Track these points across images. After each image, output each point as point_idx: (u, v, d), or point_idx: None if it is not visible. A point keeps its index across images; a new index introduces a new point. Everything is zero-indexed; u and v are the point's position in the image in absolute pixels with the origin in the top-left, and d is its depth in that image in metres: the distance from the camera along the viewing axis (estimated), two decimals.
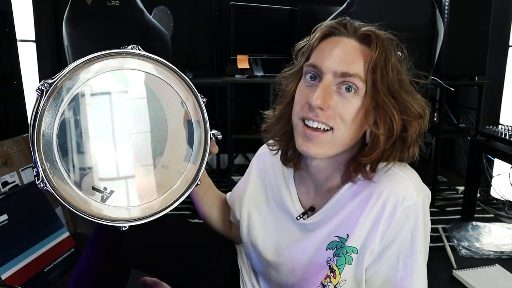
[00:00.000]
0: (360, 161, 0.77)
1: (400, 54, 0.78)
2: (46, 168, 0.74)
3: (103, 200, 0.79)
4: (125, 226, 0.79)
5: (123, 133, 0.81)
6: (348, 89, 0.74)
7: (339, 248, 0.81)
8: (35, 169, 0.73)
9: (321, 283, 0.82)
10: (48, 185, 0.74)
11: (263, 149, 1.02)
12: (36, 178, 0.73)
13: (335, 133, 0.75)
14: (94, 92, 0.79)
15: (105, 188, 0.79)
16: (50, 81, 0.73)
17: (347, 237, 0.80)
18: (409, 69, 0.79)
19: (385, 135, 0.75)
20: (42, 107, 0.73)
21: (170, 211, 0.84)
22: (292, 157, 0.88)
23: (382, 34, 0.76)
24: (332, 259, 0.81)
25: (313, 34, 0.81)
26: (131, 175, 0.82)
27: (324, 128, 0.75)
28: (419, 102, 0.77)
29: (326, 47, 0.76)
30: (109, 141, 0.80)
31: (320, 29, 0.80)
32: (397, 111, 0.74)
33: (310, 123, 0.75)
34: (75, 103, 0.77)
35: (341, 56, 0.74)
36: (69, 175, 0.76)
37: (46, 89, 0.73)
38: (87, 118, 0.78)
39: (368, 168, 0.78)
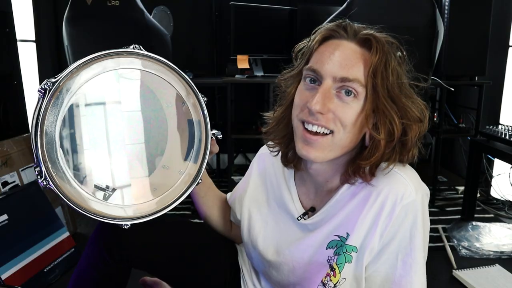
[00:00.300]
0: (360, 164, 0.77)
1: (400, 57, 0.78)
2: (49, 166, 0.74)
3: (106, 198, 0.79)
4: (127, 224, 0.79)
5: (118, 144, 0.81)
6: (348, 93, 0.74)
7: (339, 247, 0.81)
8: (37, 169, 0.73)
9: (322, 281, 0.82)
10: (51, 182, 0.74)
11: (264, 149, 1.02)
12: (38, 176, 0.73)
13: (335, 136, 0.75)
14: (90, 102, 0.79)
15: (107, 187, 0.79)
16: (53, 80, 0.74)
17: (347, 236, 0.80)
18: (409, 71, 0.79)
19: (385, 140, 0.75)
20: (45, 106, 0.73)
21: (170, 211, 0.84)
22: (293, 159, 0.89)
23: (382, 38, 0.76)
24: (332, 258, 0.81)
25: (313, 36, 0.80)
26: (128, 184, 0.82)
27: (324, 132, 0.75)
28: (419, 105, 0.77)
29: (326, 51, 0.76)
30: (104, 152, 0.80)
31: (320, 32, 0.79)
32: (397, 115, 0.74)
33: (309, 127, 0.76)
34: (75, 104, 0.77)
35: (340, 60, 0.74)
36: (70, 174, 0.76)
37: (49, 87, 0.73)
38: (82, 130, 0.78)
39: (367, 171, 0.78)
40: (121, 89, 0.81)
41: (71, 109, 0.76)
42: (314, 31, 0.81)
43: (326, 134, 0.75)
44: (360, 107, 0.74)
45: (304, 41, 0.84)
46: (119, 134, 0.81)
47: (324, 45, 0.78)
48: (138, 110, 0.82)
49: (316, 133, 0.75)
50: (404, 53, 0.79)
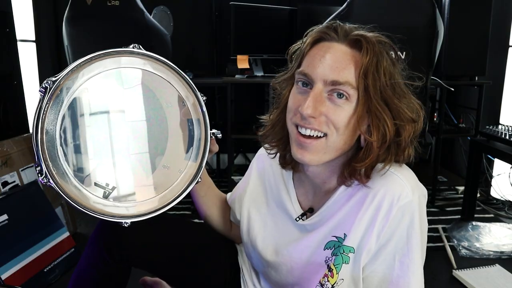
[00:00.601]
0: (355, 167, 0.77)
1: (394, 56, 0.77)
2: (49, 165, 0.74)
3: (105, 196, 0.79)
4: (127, 222, 0.79)
5: (122, 154, 0.81)
6: (340, 95, 0.74)
7: (336, 247, 0.81)
8: (38, 168, 0.74)
9: (319, 282, 0.82)
10: (51, 180, 0.74)
11: (263, 150, 1.02)
12: (39, 175, 0.74)
13: (329, 139, 0.75)
14: (95, 111, 0.79)
15: (107, 184, 0.80)
16: (54, 79, 0.74)
17: (344, 237, 0.80)
18: (403, 69, 0.78)
19: (378, 141, 0.75)
20: (46, 105, 0.74)
21: (170, 210, 0.84)
22: (290, 160, 0.89)
23: (373, 38, 0.75)
24: (330, 259, 0.81)
25: (305, 38, 0.80)
26: (132, 192, 0.83)
27: (317, 135, 0.75)
28: (413, 105, 0.77)
29: (317, 54, 0.76)
30: (108, 160, 0.81)
31: (311, 35, 0.79)
32: (389, 116, 0.74)
33: (303, 131, 0.76)
34: (76, 103, 0.77)
35: (331, 63, 0.74)
36: (71, 172, 0.77)
37: (50, 86, 0.74)
38: (86, 137, 0.78)
39: (362, 173, 0.78)
40: (125, 96, 0.81)
41: (73, 113, 0.77)
42: (306, 33, 0.81)
43: (320, 137, 0.75)
44: (352, 109, 0.74)
45: (298, 42, 0.83)
46: (124, 143, 0.81)
47: (315, 48, 0.78)
48: (143, 119, 0.82)
49: (310, 137, 0.75)
50: (398, 52, 0.78)
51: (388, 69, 0.74)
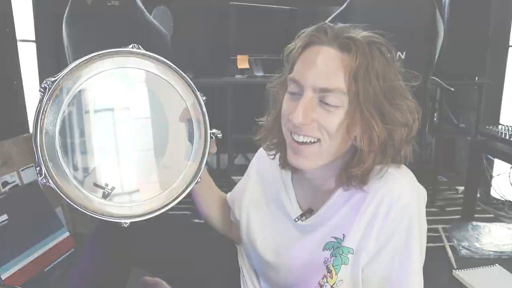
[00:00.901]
0: (351, 172, 0.77)
1: (389, 56, 0.76)
2: (49, 165, 0.74)
3: (105, 196, 0.79)
4: (126, 223, 0.79)
5: (126, 152, 0.82)
6: (330, 102, 0.73)
7: (335, 248, 0.81)
8: (37, 168, 0.74)
9: (319, 283, 0.82)
10: (50, 180, 0.74)
11: (262, 150, 1.02)
12: (38, 175, 0.74)
13: (322, 144, 0.75)
14: (98, 108, 0.80)
15: (106, 185, 0.80)
16: (53, 79, 0.74)
17: (343, 238, 0.80)
18: (400, 67, 0.78)
19: (368, 147, 0.74)
20: (45, 105, 0.74)
21: (170, 210, 0.84)
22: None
23: (364, 39, 0.74)
24: (329, 260, 0.81)
25: (296, 41, 0.80)
26: (135, 189, 0.83)
27: (310, 141, 0.75)
28: (408, 107, 0.76)
29: (307, 59, 0.76)
30: (109, 158, 0.81)
31: (301, 38, 0.79)
32: (378, 122, 0.73)
33: (296, 137, 0.76)
34: (76, 102, 0.77)
35: (321, 69, 0.73)
36: (71, 172, 0.77)
37: (49, 86, 0.74)
38: (91, 137, 0.79)
39: (359, 178, 0.77)
40: (125, 95, 0.81)
41: (73, 112, 0.77)
42: (297, 35, 0.81)
43: (313, 142, 0.75)
44: (343, 114, 0.73)
45: (292, 44, 0.82)
46: (127, 142, 0.81)
47: (306, 52, 0.77)
48: (145, 118, 0.82)
49: (303, 143, 0.75)
50: (392, 51, 0.77)
51: (380, 70, 0.73)
